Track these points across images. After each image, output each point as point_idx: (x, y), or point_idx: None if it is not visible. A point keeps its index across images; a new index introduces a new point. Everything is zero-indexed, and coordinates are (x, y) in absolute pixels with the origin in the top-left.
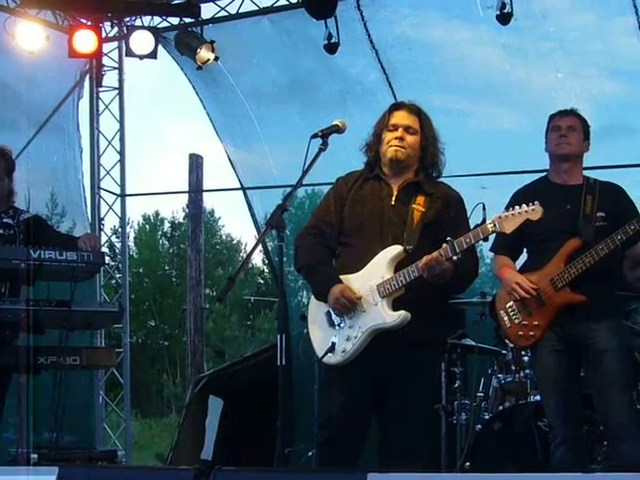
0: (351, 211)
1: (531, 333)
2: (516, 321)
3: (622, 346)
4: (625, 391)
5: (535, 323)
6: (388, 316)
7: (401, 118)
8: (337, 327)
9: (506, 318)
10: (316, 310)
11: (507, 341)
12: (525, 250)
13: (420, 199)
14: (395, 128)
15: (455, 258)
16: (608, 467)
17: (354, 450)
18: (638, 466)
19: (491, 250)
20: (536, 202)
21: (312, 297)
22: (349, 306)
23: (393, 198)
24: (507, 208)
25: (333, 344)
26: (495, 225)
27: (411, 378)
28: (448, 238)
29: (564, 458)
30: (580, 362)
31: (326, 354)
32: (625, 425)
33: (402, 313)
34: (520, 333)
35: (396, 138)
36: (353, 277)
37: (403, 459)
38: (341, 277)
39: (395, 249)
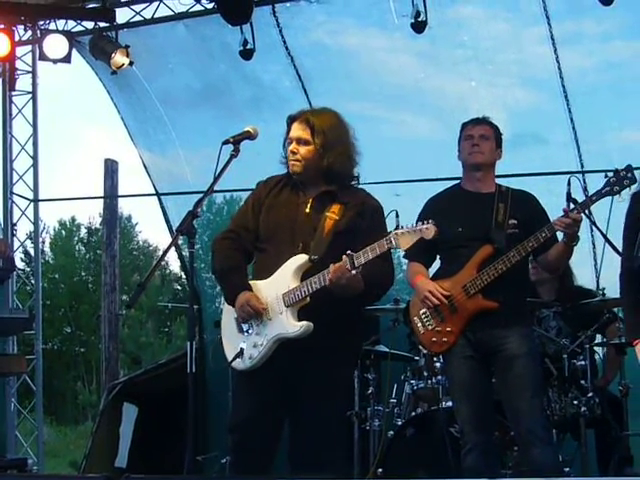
0: (266, 216)
1: (444, 339)
2: (429, 327)
3: (532, 352)
4: (535, 397)
5: (448, 329)
6: (291, 326)
7: (294, 130)
8: (245, 333)
9: (420, 324)
10: (228, 316)
11: (421, 347)
12: (438, 257)
13: (335, 208)
14: (291, 141)
15: (354, 272)
16: (518, 473)
17: (265, 454)
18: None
19: (404, 257)
20: (430, 221)
21: (225, 303)
22: (253, 314)
23: (308, 206)
24: (417, 221)
25: (241, 350)
26: (391, 241)
27: (322, 384)
28: (348, 252)
29: (475, 464)
30: (491, 368)
31: (235, 359)
32: (535, 431)
33: (304, 324)
34: (434, 339)
35: (291, 152)
36: (262, 284)
37: (314, 465)
38: (251, 283)
39: (300, 258)
